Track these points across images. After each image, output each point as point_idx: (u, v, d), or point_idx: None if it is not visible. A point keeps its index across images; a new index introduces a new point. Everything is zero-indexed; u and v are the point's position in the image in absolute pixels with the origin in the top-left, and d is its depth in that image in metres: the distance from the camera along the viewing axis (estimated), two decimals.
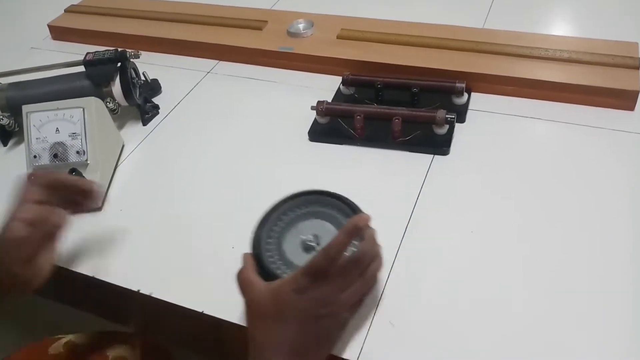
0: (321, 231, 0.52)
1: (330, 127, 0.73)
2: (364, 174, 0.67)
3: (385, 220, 0.59)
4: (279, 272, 0.49)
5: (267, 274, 0.48)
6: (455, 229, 0.59)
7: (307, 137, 0.73)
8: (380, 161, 0.68)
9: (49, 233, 0.49)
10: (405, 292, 0.53)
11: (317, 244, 0.50)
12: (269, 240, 0.51)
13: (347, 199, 0.53)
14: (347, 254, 0.45)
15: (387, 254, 0.54)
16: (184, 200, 0.66)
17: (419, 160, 0.67)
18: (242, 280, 0.46)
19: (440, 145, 0.68)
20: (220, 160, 0.71)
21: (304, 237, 0.51)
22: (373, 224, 0.51)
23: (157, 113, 0.81)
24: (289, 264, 0.50)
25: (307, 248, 0.51)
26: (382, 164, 0.68)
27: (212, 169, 0.71)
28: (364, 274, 0.45)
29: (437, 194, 0.63)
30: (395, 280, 0.54)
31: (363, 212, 0.49)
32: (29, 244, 0.47)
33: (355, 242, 0.47)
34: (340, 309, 0.44)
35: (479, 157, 0.67)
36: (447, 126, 0.69)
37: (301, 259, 0.48)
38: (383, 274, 0.54)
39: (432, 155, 0.68)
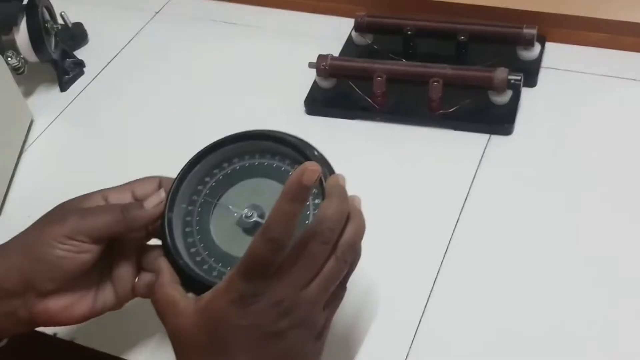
0: (266, 197, 0.49)
1: (337, 93, 0.74)
2: (385, 163, 0.67)
3: (420, 231, 0.61)
4: (212, 275, 0.47)
5: (192, 281, 0.47)
6: (520, 241, 0.60)
7: (302, 108, 0.73)
8: (410, 144, 0.69)
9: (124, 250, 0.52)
10: (451, 319, 0.55)
11: (262, 218, 0.48)
12: (187, 227, 0.50)
13: (296, 139, 0.49)
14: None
15: (424, 275, 0.56)
16: None
17: (468, 143, 0.68)
18: (159, 301, 0.46)
19: (499, 121, 0.69)
20: (175, 143, 0.72)
21: (239, 212, 0.49)
22: (399, 234, 0.53)
23: (82, 73, 0.81)
24: (223, 258, 0.48)
25: (249, 228, 0.48)
26: (413, 149, 0.68)
27: (164, 154, 0.70)
28: (335, 249, 0.44)
29: (495, 191, 0.64)
30: (436, 306, 0.56)
31: (318, 155, 0.48)
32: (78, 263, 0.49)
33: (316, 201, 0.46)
34: (308, 313, 0.43)
35: (555, 138, 0.67)
36: (509, 92, 0.69)
37: (242, 247, 0.45)
38: (421, 294, 0.55)
39: (488, 136, 0.69)
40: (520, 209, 0.62)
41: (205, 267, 0.48)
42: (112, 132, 0.75)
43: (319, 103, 0.73)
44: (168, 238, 0.49)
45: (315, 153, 0.50)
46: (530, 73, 0.72)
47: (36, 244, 0.49)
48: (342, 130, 0.71)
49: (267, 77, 0.77)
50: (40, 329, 0.53)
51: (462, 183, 0.65)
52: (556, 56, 0.74)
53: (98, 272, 0.52)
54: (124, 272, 0.52)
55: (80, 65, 0.81)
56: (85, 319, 0.52)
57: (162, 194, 0.50)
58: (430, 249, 0.60)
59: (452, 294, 0.56)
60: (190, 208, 0.51)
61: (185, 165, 0.51)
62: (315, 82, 0.74)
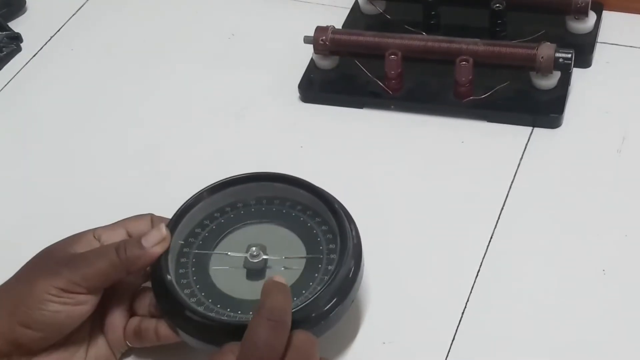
0: (265, 238, 0.56)
1: (340, 75, 0.74)
2: (401, 163, 0.68)
3: (448, 247, 0.62)
4: (223, 317, 0.53)
5: (194, 324, 0.52)
6: (567, 253, 0.60)
7: (296, 94, 0.74)
8: (432, 140, 0.69)
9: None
10: (487, 334, 0.57)
11: (264, 258, 0.55)
12: (181, 268, 0.55)
13: (308, 183, 0.57)
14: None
15: (451, 300, 0.58)
16: (70, 214, 0.67)
17: (506, 137, 0.68)
18: None
19: (544, 110, 0.69)
20: (135, 138, 0.73)
21: (241, 255, 0.55)
22: (422, 249, 0.58)
23: (18, 50, 0.81)
24: (228, 302, 0.53)
25: (257, 268, 0.55)
26: (437, 145, 0.69)
27: (122, 154, 0.72)
28: None
29: (538, 196, 0.64)
30: (472, 319, 0.58)
31: (338, 207, 0.55)
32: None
33: None
34: None
35: (614, 131, 0.67)
36: (557, 74, 0.69)
37: (245, 289, 0.54)
38: (450, 322, 0.58)
39: (530, 128, 0.69)
40: (569, 216, 0.63)
41: (193, 300, 0.54)
42: (55, 121, 0.75)
43: (317, 87, 0.74)
44: (165, 286, 0.54)
45: (345, 209, 0.56)
46: (583, 50, 0.72)
47: (26, 301, 0.51)
48: (346, 121, 0.72)
49: (251, 55, 0.78)
50: None
51: (498, 187, 0.65)
52: (616, 28, 0.74)
53: (89, 323, 0.55)
54: (117, 319, 0.56)
55: (15, 40, 0.81)
56: None
57: (163, 230, 0.54)
58: (461, 265, 0.61)
59: (487, 314, 0.58)
60: (185, 250, 0.56)
61: (185, 202, 0.57)
62: (312, 61, 0.74)
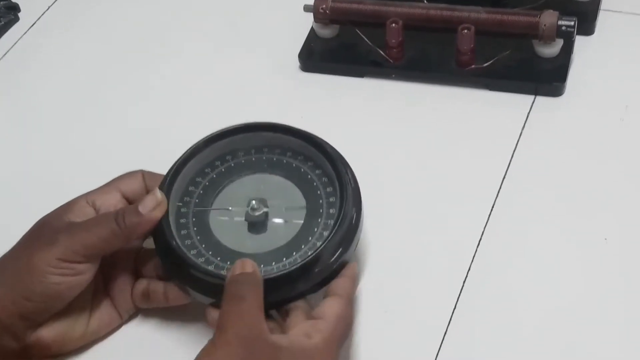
0: (269, 189, 0.57)
1: (341, 44, 0.74)
2: (402, 132, 0.68)
3: (448, 217, 0.62)
4: (220, 271, 0.53)
5: (206, 285, 0.53)
6: (571, 225, 0.60)
7: (297, 63, 0.73)
8: (433, 109, 0.69)
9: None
10: (486, 307, 0.57)
11: (265, 210, 0.55)
12: (183, 229, 0.55)
13: (317, 137, 0.57)
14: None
15: (453, 273, 0.58)
16: (67, 186, 0.64)
17: (508, 107, 0.68)
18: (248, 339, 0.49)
19: (546, 78, 0.68)
20: (137, 114, 0.73)
21: (242, 208, 0.55)
22: (423, 220, 0.59)
23: (16, 20, 0.80)
24: (235, 257, 0.53)
25: (258, 221, 0.55)
26: (438, 114, 0.69)
27: (122, 130, 0.72)
28: None
29: (540, 166, 0.64)
30: (470, 298, 0.58)
31: (331, 151, 0.55)
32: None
33: None
34: None
35: (617, 100, 0.67)
36: (560, 42, 0.69)
37: (249, 242, 0.54)
38: (452, 291, 0.58)
39: (533, 97, 0.68)
40: (571, 185, 0.63)
41: (207, 265, 0.54)
42: (53, 93, 0.75)
43: (318, 57, 0.73)
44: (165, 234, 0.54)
45: (338, 152, 0.56)
46: (585, 17, 0.71)
47: (26, 274, 0.52)
48: (347, 91, 0.71)
49: (251, 25, 0.78)
50: None
51: (500, 155, 0.65)
52: None
53: (91, 287, 0.55)
54: (122, 282, 0.56)
55: (13, 9, 0.81)
56: (83, 342, 0.55)
57: (158, 194, 0.53)
58: (462, 235, 0.61)
59: (488, 283, 0.58)
60: (183, 210, 0.56)
61: (175, 163, 0.56)
62: (312, 30, 0.74)
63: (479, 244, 0.60)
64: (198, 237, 0.54)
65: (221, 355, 0.47)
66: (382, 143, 0.67)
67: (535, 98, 0.68)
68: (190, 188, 0.56)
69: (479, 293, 0.58)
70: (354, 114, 0.70)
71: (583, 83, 0.69)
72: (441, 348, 0.55)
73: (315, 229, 0.54)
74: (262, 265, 0.52)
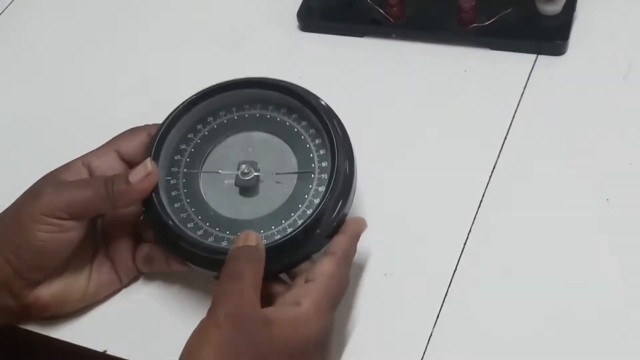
0: (256, 149, 0.56)
1: (340, 3, 0.73)
2: (403, 93, 0.67)
3: (447, 178, 0.62)
4: (221, 243, 0.53)
5: (208, 260, 0.52)
6: (576, 192, 0.60)
7: (295, 23, 0.73)
8: (434, 68, 0.69)
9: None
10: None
11: (256, 174, 0.54)
12: (173, 190, 0.55)
13: (298, 88, 0.55)
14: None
15: (453, 230, 0.58)
16: (61, 140, 0.67)
17: (509, 66, 0.67)
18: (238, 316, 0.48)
19: (549, 36, 0.68)
20: (131, 66, 0.73)
21: (232, 172, 0.55)
22: (424, 181, 0.59)
23: None
24: (217, 221, 0.53)
25: (249, 186, 0.54)
26: (439, 74, 0.68)
27: (117, 80, 0.73)
28: None
29: (542, 126, 0.64)
30: (465, 277, 0.57)
31: (324, 105, 0.55)
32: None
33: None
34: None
35: (622, 58, 0.66)
36: None
37: (242, 209, 0.54)
38: (452, 252, 0.58)
39: (535, 56, 0.68)
40: (573, 145, 0.62)
41: (196, 232, 0.53)
42: (49, 46, 0.75)
43: (316, 16, 0.73)
44: (155, 201, 0.53)
45: (322, 103, 0.55)
46: None
47: (15, 230, 0.52)
48: (347, 51, 0.71)
49: None
50: (92, 345, 0.57)
51: (501, 115, 0.65)
52: None
53: (91, 249, 0.55)
54: (123, 245, 0.56)
55: None
56: (83, 304, 0.56)
57: (149, 165, 0.52)
58: (463, 195, 0.61)
59: (488, 245, 0.58)
60: (173, 182, 0.55)
61: (157, 133, 0.55)
62: None
63: (480, 203, 0.60)
64: (193, 209, 0.54)
65: (212, 337, 0.46)
66: (382, 103, 0.67)
67: (537, 57, 0.68)
68: (176, 157, 0.56)
69: (480, 253, 0.58)
70: (354, 74, 0.69)
71: (586, 41, 0.68)
72: (441, 311, 0.55)
73: (310, 186, 0.53)
74: (262, 231, 0.52)
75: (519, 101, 0.65)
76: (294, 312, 0.48)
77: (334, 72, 0.70)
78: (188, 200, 0.54)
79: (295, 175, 0.54)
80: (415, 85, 0.68)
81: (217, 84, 0.56)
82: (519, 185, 0.61)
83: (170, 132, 0.55)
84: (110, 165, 0.55)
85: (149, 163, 0.53)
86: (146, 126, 0.56)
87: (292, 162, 0.55)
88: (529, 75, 0.67)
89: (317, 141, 0.54)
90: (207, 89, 0.56)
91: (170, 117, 0.56)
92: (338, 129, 0.54)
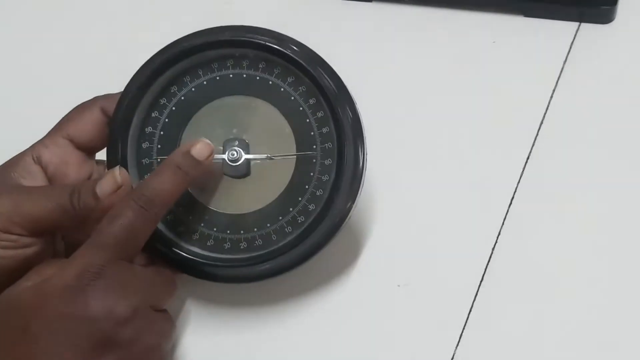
0: (250, 122, 0.51)
1: None
2: (420, 68, 0.64)
3: (472, 173, 0.59)
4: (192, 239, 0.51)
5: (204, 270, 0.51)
6: (620, 175, 0.58)
7: None
8: (458, 38, 0.66)
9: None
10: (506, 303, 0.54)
11: (246, 158, 0.51)
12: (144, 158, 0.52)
13: (291, 43, 0.51)
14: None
15: (482, 236, 0.56)
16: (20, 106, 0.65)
17: (548, 36, 0.65)
18: None
19: (594, 1, 0.65)
20: (100, 28, 0.71)
21: (218, 156, 0.51)
22: (444, 175, 0.57)
23: None
24: (218, 219, 0.51)
25: (240, 173, 0.51)
26: (463, 45, 0.65)
27: (84, 44, 0.70)
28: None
29: (586, 104, 0.61)
30: (492, 292, 0.55)
31: (306, 48, 0.51)
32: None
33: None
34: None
35: None
36: None
37: (232, 199, 0.51)
38: (474, 273, 0.55)
39: (577, 24, 0.65)
40: (620, 130, 0.59)
41: (181, 228, 0.51)
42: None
43: None
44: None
45: (327, 66, 0.51)
46: None
47: None
48: (354, 17, 0.68)
49: None
50: None
51: (537, 95, 0.61)
52: None
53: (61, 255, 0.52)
54: None
55: None
56: None
57: (118, 177, 0.48)
58: (491, 194, 0.58)
59: (519, 255, 0.55)
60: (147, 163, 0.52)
61: (118, 114, 0.51)
62: None
63: (511, 201, 0.57)
64: (180, 209, 0.50)
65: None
66: (394, 81, 0.64)
67: (579, 25, 0.65)
68: (144, 144, 0.51)
69: (512, 260, 0.54)
70: (362, 45, 0.66)
71: (636, 6, 0.65)
72: (465, 329, 0.52)
73: (312, 174, 0.49)
74: (255, 229, 0.49)
75: (558, 78, 0.62)
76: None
77: (340, 42, 0.66)
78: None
79: (294, 159, 0.50)
80: (434, 60, 0.65)
81: (179, 42, 0.51)
82: (556, 178, 0.58)
83: (132, 118, 0.51)
84: (62, 158, 0.50)
85: (117, 174, 0.48)
86: (96, 99, 0.51)
87: (289, 143, 0.50)
88: (570, 48, 0.64)
89: (319, 114, 0.50)
90: (168, 49, 0.51)
91: (128, 96, 0.51)
92: (346, 103, 0.50)
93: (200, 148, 0.48)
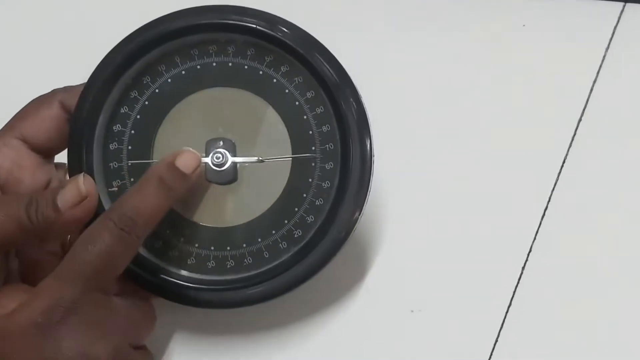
0: (237, 119, 0.49)
1: None
2: (438, 57, 0.61)
3: (498, 179, 0.56)
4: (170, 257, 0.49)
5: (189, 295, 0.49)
6: None
7: None
8: (483, 22, 0.62)
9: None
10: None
11: (233, 162, 0.48)
12: (116, 183, 0.49)
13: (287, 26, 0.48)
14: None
15: (506, 264, 0.54)
16: None
17: (587, 16, 0.61)
18: None
19: None
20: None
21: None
22: (464, 190, 0.54)
23: None
24: (204, 234, 0.49)
25: (227, 180, 0.49)
26: (489, 29, 0.61)
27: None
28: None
29: (633, 99, 0.58)
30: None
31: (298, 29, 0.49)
32: None
33: None
34: None
35: None
36: None
37: (218, 211, 0.48)
38: (512, 273, 0.54)
39: (622, 4, 0.61)
40: None
41: (157, 244, 0.49)
42: None
43: None
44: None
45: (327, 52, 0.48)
46: None
47: None
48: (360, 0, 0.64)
49: None
50: None
51: (575, 87, 0.58)
52: None
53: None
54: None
55: None
56: None
57: (82, 186, 0.45)
58: (520, 206, 0.55)
59: (550, 278, 0.53)
60: (114, 183, 0.49)
61: (80, 112, 0.47)
62: None
63: (542, 216, 0.54)
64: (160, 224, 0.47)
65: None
66: (407, 70, 0.60)
67: (624, 5, 0.61)
68: (112, 145, 0.48)
69: (542, 285, 0.52)
70: (370, 32, 0.62)
71: None
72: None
73: (310, 179, 0.47)
74: (244, 245, 0.47)
75: (600, 65, 0.59)
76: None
77: (340, 32, 0.61)
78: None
79: (290, 162, 0.48)
80: (454, 47, 0.61)
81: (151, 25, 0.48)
82: (597, 187, 0.55)
83: (98, 115, 0.48)
84: (16, 162, 0.47)
85: (81, 182, 0.45)
86: (54, 93, 0.48)
87: (281, 137, 0.48)
88: (613, 32, 0.60)
89: (318, 110, 0.47)
90: (140, 33, 0.48)
91: (93, 88, 0.48)
92: (350, 96, 0.47)
93: (186, 159, 0.45)
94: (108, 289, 0.44)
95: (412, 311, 0.51)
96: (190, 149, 0.46)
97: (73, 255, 0.43)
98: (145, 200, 0.44)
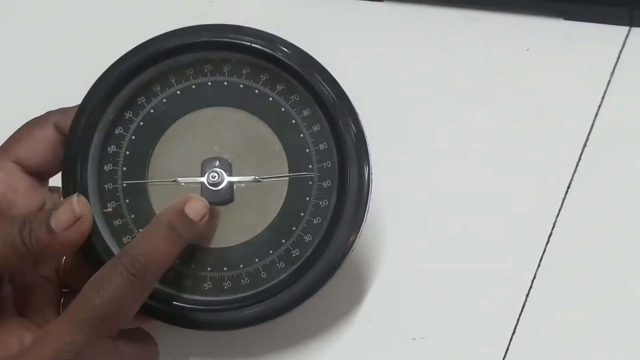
0: (233, 138, 0.49)
1: None
2: (438, 79, 0.61)
3: (501, 206, 0.55)
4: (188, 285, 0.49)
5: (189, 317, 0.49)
6: None
7: None
8: (485, 44, 0.62)
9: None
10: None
11: (229, 181, 0.48)
12: (116, 219, 0.48)
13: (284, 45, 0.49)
14: None
15: (516, 279, 0.53)
16: None
17: (592, 41, 0.61)
18: None
19: None
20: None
21: (186, 180, 0.49)
22: (466, 216, 0.53)
23: None
24: (201, 255, 0.49)
25: (223, 200, 0.49)
26: (491, 52, 0.62)
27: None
28: None
29: (637, 122, 0.58)
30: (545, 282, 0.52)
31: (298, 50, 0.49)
32: None
33: None
34: None
35: None
36: None
37: (216, 232, 0.48)
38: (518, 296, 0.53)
39: (627, 28, 0.62)
40: None
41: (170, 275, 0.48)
42: None
43: None
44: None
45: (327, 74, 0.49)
46: None
47: None
48: (363, 17, 0.65)
49: None
50: None
51: (580, 112, 0.58)
52: None
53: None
54: (44, 299, 0.48)
55: None
56: None
57: (76, 207, 0.45)
58: (525, 232, 0.54)
59: (556, 304, 0.52)
60: (109, 204, 0.49)
61: (76, 132, 0.47)
62: None
63: (549, 238, 0.53)
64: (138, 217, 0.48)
65: None
66: (406, 90, 0.60)
67: (629, 30, 0.61)
68: (107, 167, 0.48)
69: (548, 311, 0.51)
70: (369, 49, 0.62)
71: None
72: None
73: (307, 198, 0.47)
74: (241, 266, 0.46)
75: (605, 90, 0.59)
76: None
77: (345, 46, 0.63)
78: (140, 229, 0.48)
79: (286, 182, 0.48)
80: (455, 69, 0.61)
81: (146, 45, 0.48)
82: (604, 209, 0.54)
83: (92, 136, 0.48)
84: (10, 185, 0.47)
85: (76, 203, 0.44)
86: (49, 115, 0.48)
87: (277, 156, 0.48)
88: (619, 57, 0.60)
89: (315, 128, 0.47)
90: (135, 53, 0.48)
91: (87, 109, 0.48)
92: (348, 115, 0.47)
93: (195, 206, 0.46)
94: (115, 334, 0.44)
95: (414, 339, 0.50)
96: (198, 196, 0.47)
97: (84, 299, 0.42)
98: (156, 246, 0.44)
